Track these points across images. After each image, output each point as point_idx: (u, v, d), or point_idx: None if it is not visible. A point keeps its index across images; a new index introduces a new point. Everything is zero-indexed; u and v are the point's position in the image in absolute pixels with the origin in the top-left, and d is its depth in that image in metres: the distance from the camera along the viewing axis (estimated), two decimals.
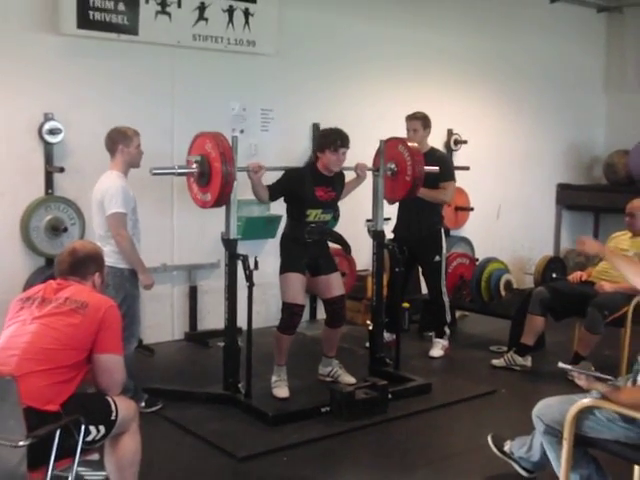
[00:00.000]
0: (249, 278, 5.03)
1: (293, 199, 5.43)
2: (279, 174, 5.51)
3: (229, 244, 5.20)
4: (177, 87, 6.78)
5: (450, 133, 8.58)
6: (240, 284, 5.18)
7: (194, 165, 5.06)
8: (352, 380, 5.57)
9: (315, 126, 7.44)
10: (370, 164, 5.86)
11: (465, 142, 8.62)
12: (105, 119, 5.81)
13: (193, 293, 6.99)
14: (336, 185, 5.51)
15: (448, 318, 6.71)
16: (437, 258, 6.56)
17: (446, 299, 6.66)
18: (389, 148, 5.88)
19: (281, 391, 5.36)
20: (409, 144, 5.93)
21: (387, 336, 6.19)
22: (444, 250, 6.66)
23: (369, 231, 5.87)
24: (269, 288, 6.66)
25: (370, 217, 5.90)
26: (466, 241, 8.63)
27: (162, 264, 6.75)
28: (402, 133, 6.39)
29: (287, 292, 5.36)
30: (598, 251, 4.27)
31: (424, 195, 6.35)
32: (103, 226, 4.96)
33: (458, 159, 8.30)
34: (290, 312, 5.34)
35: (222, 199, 5.04)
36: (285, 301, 5.37)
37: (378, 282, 5.88)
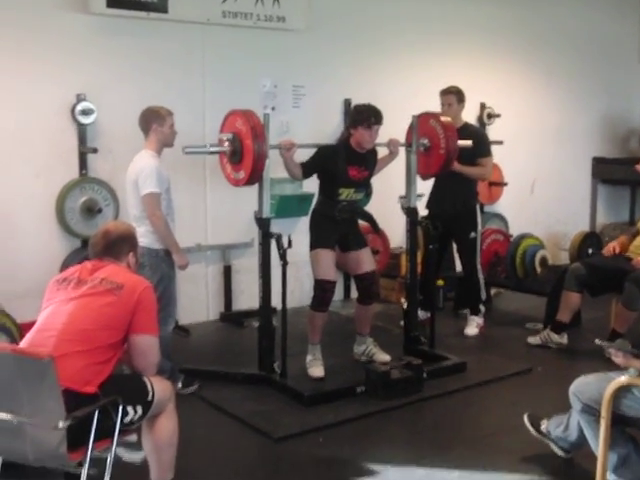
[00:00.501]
0: (283, 257, 5.04)
1: (326, 177, 5.41)
2: (311, 151, 5.48)
3: (262, 223, 5.21)
4: (208, 65, 6.77)
5: (483, 107, 8.51)
6: (274, 263, 5.19)
7: (226, 143, 5.08)
8: (387, 358, 5.56)
9: (347, 102, 7.41)
10: (402, 140, 5.83)
11: (498, 116, 8.55)
12: (136, 99, 5.84)
13: (227, 273, 7.02)
14: (369, 163, 5.48)
15: (483, 295, 6.68)
16: (472, 235, 6.51)
17: (481, 276, 6.61)
18: (421, 123, 5.83)
19: (316, 370, 5.37)
20: (442, 118, 5.89)
21: (422, 314, 6.19)
22: (479, 227, 6.61)
23: (402, 208, 5.84)
24: (303, 267, 6.64)
25: (403, 194, 5.88)
26: (500, 217, 8.58)
27: (196, 244, 6.77)
28: (435, 108, 6.34)
29: (318, 268, 5.35)
30: None
31: (465, 171, 6.32)
32: (138, 206, 4.98)
33: (491, 133, 8.20)
34: (322, 289, 5.33)
35: (255, 177, 5.05)
36: (316, 278, 5.36)
37: (412, 260, 5.85)
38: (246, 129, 4.95)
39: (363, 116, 5.28)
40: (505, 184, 8.54)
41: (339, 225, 5.40)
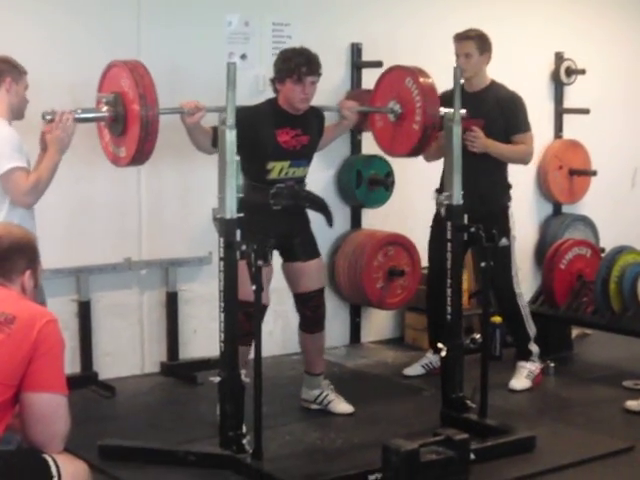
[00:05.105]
0: (256, 279, 5.05)
1: (247, 148, 5.53)
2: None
3: (226, 226, 5.19)
4: None
5: (560, 58, 8.52)
6: None
7: (104, 108, 5.24)
8: (348, 409, 6.05)
9: (355, 47, 7.50)
10: None
11: (582, 72, 8.58)
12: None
13: (172, 303, 7.01)
14: (309, 126, 5.78)
15: (532, 329, 6.73)
16: (504, 241, 6.42)
17: (522, 302, 6.71)
18: (391, 81, 6.13)
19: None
20: (420, 78, 5.99)
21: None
22: (513, 231, 6.66)
23: (439, 207, 5.89)
24: (287, 295, 6.64)
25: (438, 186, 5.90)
26: (586, 222, 8.65)
27: (125, 259, 6.75)
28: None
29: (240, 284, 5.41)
30: None
31: (500, 152, 6.39)
32: None
33: (572, 97, 8.27)
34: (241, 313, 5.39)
35: (141, 156, 5.24)
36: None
37: (455, 284, 5.88)
38: (131, 88, 5.11)
39: (290, 65, 5.65)
40: (593, 173, 8.61)
41: (278, 221, 5.69)
